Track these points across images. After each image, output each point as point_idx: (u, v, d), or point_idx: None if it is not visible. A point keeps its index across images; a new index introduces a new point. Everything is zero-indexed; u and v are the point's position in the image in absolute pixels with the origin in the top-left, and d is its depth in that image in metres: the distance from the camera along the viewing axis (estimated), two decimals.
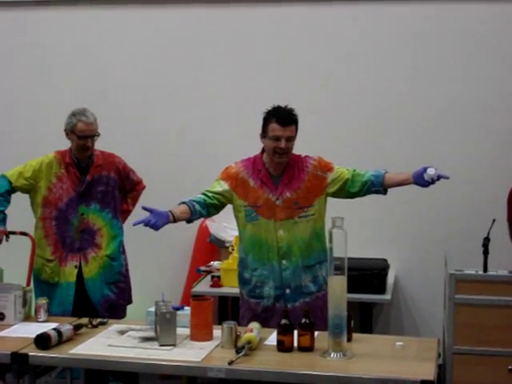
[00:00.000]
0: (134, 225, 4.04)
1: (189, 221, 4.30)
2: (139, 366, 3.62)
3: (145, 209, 4.07)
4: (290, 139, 4.16)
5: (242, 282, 4.36)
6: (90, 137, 4.69)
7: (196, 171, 5.96)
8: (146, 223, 4.00)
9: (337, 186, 4.23)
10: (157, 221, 4.01)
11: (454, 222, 5.61)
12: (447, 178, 4.01)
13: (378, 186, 4.19)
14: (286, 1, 5.78)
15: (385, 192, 4.23)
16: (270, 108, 4.24)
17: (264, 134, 4.21)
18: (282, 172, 4.24)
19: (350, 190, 4.22)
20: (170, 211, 4.11)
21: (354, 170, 4.24)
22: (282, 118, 4.16)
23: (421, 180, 4.06)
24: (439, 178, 4.01)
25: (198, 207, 4.25)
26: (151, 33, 5.99)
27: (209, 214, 4.41)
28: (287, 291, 4.21)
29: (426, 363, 3.50)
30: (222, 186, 4.31)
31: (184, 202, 4.23)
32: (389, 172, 4.21)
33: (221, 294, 5.27)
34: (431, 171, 3.96)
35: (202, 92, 5.93)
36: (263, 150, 4.29)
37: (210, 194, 4.30)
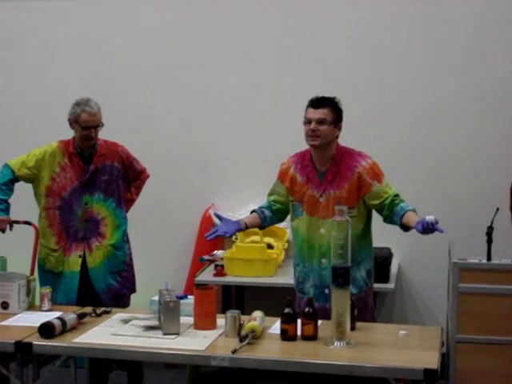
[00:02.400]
0: (208, 238, 4.15)
1: (261, 227, 4.42)
2: (143, 355, 3.63)
3: (217, 216, 4.28)
4: (322, 122, 4.08)
5: (294, 273, 4.38)
6: (93, 127, 4.68)
7: (200, 161, 5.97)
8: (218, 233, 4.12)
9: (375, 201, 4.13)
10: (228, 229, 4.14)
11: (458, 210, 5.60)
12: (441, 231, 3.85)
13: (397, 219, 4.10)
14: None
15: (400, 227, 4.12)
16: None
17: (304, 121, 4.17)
18: (327, 167, 4.16)
19: (381, 212, 4.15)
20: (241, 220, 4.27)
21: (395, 197, 4.12)
22: (314, 101, 4.13)
23: (419, 226, 3.87)
24: (433, 227, 3.83)
25: (267, 213, 4.33)
26: (156, 23, 5.98)
27: (281, 219, 4.44)
28: (326, 291, 4.13)
29: (430, 352, 3.50)
30: (279, 187, 4.31)
31: (254, 211, 4.36)
32: (411, 211, 4.08)
33: (224, 282, 5.27)
34: (430, 218, 3.87)
35: (206, 82, 5.92)
36: None
37: (271, 199, 4.35)
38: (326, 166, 4.16)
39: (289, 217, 4.35)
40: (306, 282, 4.23)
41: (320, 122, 4.08)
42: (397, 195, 4.14)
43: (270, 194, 4.36)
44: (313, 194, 4.15)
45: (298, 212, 4.20)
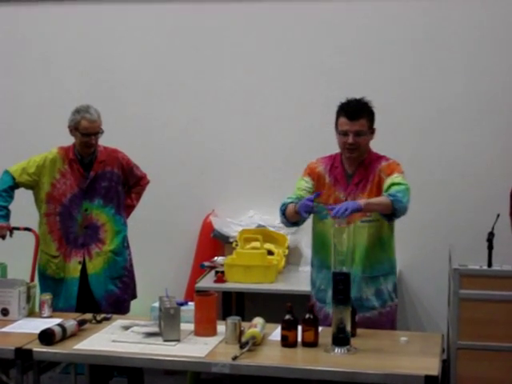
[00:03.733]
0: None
1: (296, 223, 4.10)
2: (143, 362, 3.62)
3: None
4: (360, 133, 3.95)
5: (311, 281, 4.21)
6: (93, 134, 4.69)
7: (200, 167, 5.97)
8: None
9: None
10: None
11: (459, 216, 5.60)
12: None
13: None
14: None
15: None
16: (343, 100, 4.04)
17: (336, 128, 4.02)
18: (355, 169, 4.04)
19: None
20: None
21: (393, 185, 3.94)
22: (349, 112, 3.94)
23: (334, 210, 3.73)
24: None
25: None
26: (155, 28, 5.98)
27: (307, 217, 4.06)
28: None
29: (431, 358, 3.50)
30: (309, 183, 4.09)
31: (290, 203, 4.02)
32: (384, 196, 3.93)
33: (225, 289, 5.26)
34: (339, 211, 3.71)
35: (206, 89, 5.92)
36: None
37: (301, 194, 4.04)
38: (354, 167, 4.05)
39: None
40: (329, 290, 3.87)
41: (357, 134, 3.95)
42: (396, 184, 3.94)
43: (299, 190, 4.07)
44: (339, 197, 4.01)
45: (323, 214, 3.93)
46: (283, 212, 4.05)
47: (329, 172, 4.09)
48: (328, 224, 3.93)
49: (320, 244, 4.09)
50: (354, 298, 3.86)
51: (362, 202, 3.82)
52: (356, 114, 3.96)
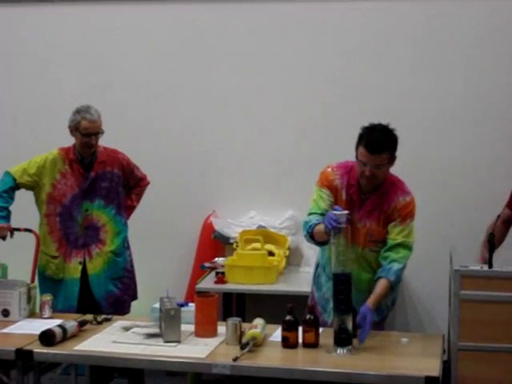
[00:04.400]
0: None
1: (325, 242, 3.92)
2: (144, 363, 3.63)
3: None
4: (379, 167, 3.82)
5: (318, 284, 4.16)
6: (93, 134, 4.69)
7: (200, 168, 5.96)
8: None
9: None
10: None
11: (459, 217, 5.60)
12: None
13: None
14: None
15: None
16: (367, 125, 3.89)
17: (356, 151, 3.86)
18: (370, 195, 3.92)
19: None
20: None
21: (397, 246, 3.90)
22: (371, 144, 3.77)
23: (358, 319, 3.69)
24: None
25: None
26: (155, 28, 5.98)
27: None
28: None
29: (431, 359, 3.51)
30: (329, 196, 3.94)
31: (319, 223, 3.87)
32: (384, 280, 3.86)
33: (225, 290, 5.26)
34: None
35: (206, 89, 5.92)
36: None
37: (325, 207, 3.91)
38: (370, 192, 3.93)
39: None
40: (332, 302, 3.81)
41: (377, 167, 3.82)
42: (394, 245, 3.90)
43: (321, 203, 3.94)
44: (353, 217, 3.87)
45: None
46: (310, 234, 3.89)
47: (345, 188, 3.95)
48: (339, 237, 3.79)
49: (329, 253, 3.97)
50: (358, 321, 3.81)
51: (371, 305, 3.74)
52: (377, 148, 3.79)
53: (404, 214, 3.93)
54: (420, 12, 5.61)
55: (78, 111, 4.71)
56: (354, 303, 3.71)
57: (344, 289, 3.61)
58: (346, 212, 3.67)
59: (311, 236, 3.91)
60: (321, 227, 3.79)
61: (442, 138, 5.64)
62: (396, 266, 3.91)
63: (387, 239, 3.94)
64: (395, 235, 3.92)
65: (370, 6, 5.66)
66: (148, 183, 5.08)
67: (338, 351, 3.56)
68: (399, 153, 5.66)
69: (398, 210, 3.92)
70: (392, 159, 3.92)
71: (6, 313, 4.13)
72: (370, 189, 3.94)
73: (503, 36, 5.52)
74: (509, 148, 5.55)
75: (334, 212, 3.65)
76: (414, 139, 5.66)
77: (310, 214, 3.97)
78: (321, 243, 3.96)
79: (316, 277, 4.23)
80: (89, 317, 4.13)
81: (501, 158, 5.56)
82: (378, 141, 3.80)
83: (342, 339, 3.58)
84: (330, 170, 4.02)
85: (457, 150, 5.62)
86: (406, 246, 3.95)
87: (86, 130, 4.67)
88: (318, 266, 4.25)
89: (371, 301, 3.78)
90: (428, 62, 5.62)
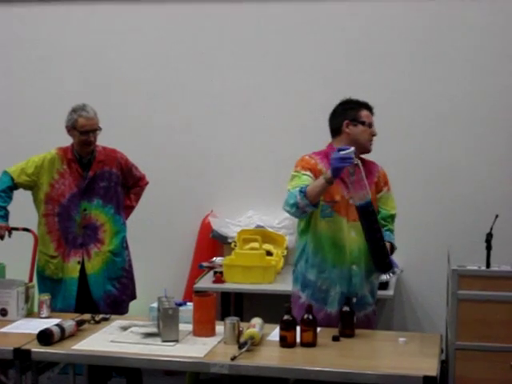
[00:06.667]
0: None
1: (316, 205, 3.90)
2: (142, 362, 3.62)
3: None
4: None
5: (304, 284, 4.05)
6: (91, 131, 4.69)
7: (199, 167, 5.97)
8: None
9: (379, 204, 4.09)
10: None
11: (457, 217, 5.60)
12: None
13: None
14: None
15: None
16: (346, 99, 4.13)
17: (355, 121, 4.01)
18: (355, 167, 3.89)
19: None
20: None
21: (390, 217, 4.12)
22: (369, 105, 4.11)
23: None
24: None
25: None
26: (155, 28, 5.98)
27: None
28: (354, 300, 3.89)
29: (429, 359, 3.50)
30: (312, 177, 3.93)
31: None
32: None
33: (223, 289, 5.26)
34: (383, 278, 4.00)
35: (205, 88, 5.92)
36: (331, 145, 4.06)
37: (307, 184, 3.88)
38: (355, 167, 3.88)
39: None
40: (332, 290, 3.96)
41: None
42: (393, 216, 4.14)
43: (304, 182, 3.89)
44: (344, 195, 3.96)
45: (326, 213, 3.93)
46: (304, 194, 3.80)
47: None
48: (332, 222, 3.95)
49: (324, 243, 3.98)
50: (361, 296, 3.99)
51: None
52: (371, 108, 4.13)
53: (386, 181, 4.15)
54: (420, 12, 5.61)
55: (73, 110, 4.71)
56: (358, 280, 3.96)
57: (375, 218, 3.85)
58: (352, 148, 3.77)
59: (305, 195, 3.80)
60: (317, 183, 3.81)
61: (441, 138, 5.64)
62: (392, 235, 4.12)
63: (380, 208, 4.11)
64: (389, 206, 4.14)
65: (369, 5, 5.66)
66: (147, 183, 5.08)
67: (385, 276, 3.81)
68: (397, 152, 5.71)
69: (383, 177, 4.14)
70: None
71: (3, 312, 4.13)
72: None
73: (504, 36, 5.52)
74: (508, 149, 5.56)
75: (342, 152, 3.73)
76: (414, 139, 5.67)
77: (293, 188, 3.90)
78: (314, 205, 3.86)
79: (299, 277, 4.10)
80: (87, 316, 4.13)
81: (500, 159, 5.57)
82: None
83: (387, 264, 3.81)
84: (307, 157, 4.06)
85: (455, 150, 5.62)
86: (395, 217, 4.18)
87: (83, 127, 4.67)
88: (296, 264, 4.12)
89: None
90: (428, 62, 5.62)
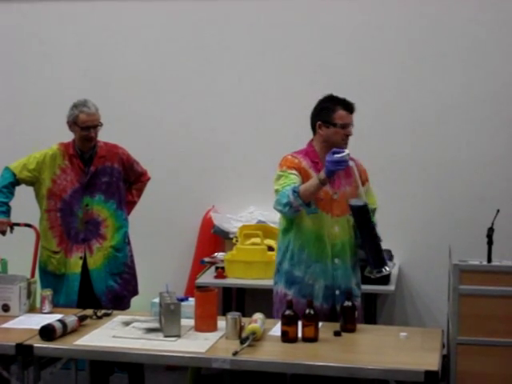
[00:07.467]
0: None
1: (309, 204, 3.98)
2: (144, 357, 3.64)
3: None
4: (352, 125, 4.08)
5: (290, 280, 4.09)
6: (92, 127, 4.69)
7: (200, 163, 5.97)
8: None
9: None
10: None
11: (458, 212, 5.61)
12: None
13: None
14: None
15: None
16: (326, 96, 4.12)
17: (327, 123, 4.02)
18: None
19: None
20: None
21: (374, 210, 4.16)
22: (348, 104, 4.06)
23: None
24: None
25: None
26: (155, 25, 5.98)
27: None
28: (337, 292, 4.03)
29: (431, 354, 3.51)
30: (299, 176, 4.00)
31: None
32: None
33: (225, 285, 5.27)
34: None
35: (206, 85, 5.93)
36: (310, 144, 4.13)
37: (297, 183, 3.96)
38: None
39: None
40: (316, 284, 4.04)
41: (352, 125, 4.07)
42: (374, 211, 4.16)
43: (293, 181, 3.96)
44: (327, 191, 4.00)
45: (311, 209, 3.97)
46: (298, 193, 3.85)
47: (312, 168, 4.05)
48: (316, 218, 4.02)
49: (309, 239, 4.04)
50: (345, 288, 4.03)
51: None
52: (352, 107, 4.07)
53: (367, 177, 4.19)
54: (419, 10, 5.61)
55: (75, 106, 4.72)
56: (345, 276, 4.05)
57: (369, 217, 3.89)
58: (347, 151, 3.80)
59: (299, 195, 3.84)
60: (311, 183, 3.86)
61: (440, 134, 5.65)
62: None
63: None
64: (371, 201, 4.12)
65: (368, 3, 5.66)
66: (149, 178, 5.08)
67: (384, 270, 3.89)
68: (398, 149, 5.72)
69: (363, 173, 4.16)
70: None
71: (6, 308, 4.14)
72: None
73: (502, 34, 5.52)
74: (508, 146, 5.56)
75: (337, 156, 3.75)
76: (414, 137, 5.67)
77: (284, 188, 3.94)
78: (307, 204, 3.90)
79: (284, 275, 4.14)
80: (89, 312, 4.14)
81: (500, 155, 5.57)
82: (350, 102, 4.07)
83: (382, 259, 3.89)
84: (290, 156, 4.10)
85: (456, 146, 5.63)
86: (375, 211, 4.21)
87: (84, 123, 4.67)
88: (281, 263, 4.15)
89: None
90: (427, 61, 5.63)
